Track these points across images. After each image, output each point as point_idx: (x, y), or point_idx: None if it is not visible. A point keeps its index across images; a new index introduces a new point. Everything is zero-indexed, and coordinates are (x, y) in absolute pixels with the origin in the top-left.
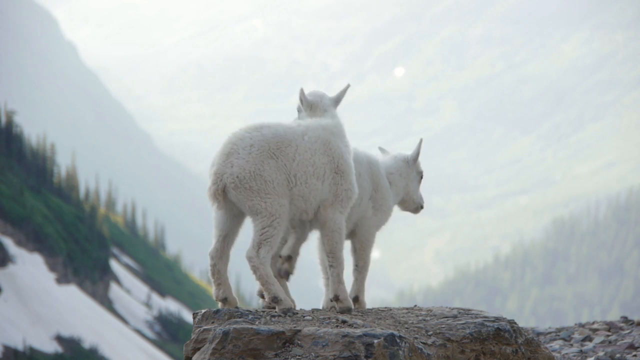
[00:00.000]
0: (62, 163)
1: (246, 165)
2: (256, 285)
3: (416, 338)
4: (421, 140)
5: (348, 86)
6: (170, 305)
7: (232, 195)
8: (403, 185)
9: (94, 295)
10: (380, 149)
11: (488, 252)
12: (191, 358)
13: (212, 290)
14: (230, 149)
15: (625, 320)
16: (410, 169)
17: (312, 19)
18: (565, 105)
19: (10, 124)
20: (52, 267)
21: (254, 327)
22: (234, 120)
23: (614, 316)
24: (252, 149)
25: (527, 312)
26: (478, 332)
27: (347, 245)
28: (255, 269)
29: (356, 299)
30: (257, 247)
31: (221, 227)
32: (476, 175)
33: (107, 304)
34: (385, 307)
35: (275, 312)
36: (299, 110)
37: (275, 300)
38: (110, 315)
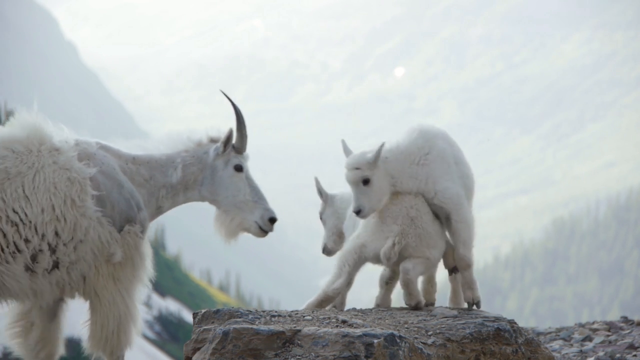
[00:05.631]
0: None
1: None
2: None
3: (416, 338)
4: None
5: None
6: (170, 305)
7: None
8: None
9: None
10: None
11: (488, 252)
12: (191, 358)
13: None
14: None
15: (625, 320)
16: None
17: (312, 19)
18: (565, 105)
19: None
20: None
21: (254, 327)
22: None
23: (614, 316)
24: None
25: (527, 312)
26: (478, 332)
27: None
28: (411, 282)
29: None
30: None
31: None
32: (476, 175)
33: None
34: (386, 307)
35: (278, 312)
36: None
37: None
38: None
